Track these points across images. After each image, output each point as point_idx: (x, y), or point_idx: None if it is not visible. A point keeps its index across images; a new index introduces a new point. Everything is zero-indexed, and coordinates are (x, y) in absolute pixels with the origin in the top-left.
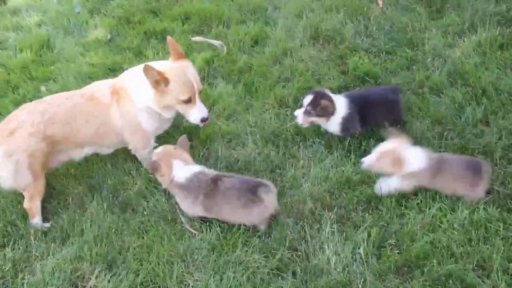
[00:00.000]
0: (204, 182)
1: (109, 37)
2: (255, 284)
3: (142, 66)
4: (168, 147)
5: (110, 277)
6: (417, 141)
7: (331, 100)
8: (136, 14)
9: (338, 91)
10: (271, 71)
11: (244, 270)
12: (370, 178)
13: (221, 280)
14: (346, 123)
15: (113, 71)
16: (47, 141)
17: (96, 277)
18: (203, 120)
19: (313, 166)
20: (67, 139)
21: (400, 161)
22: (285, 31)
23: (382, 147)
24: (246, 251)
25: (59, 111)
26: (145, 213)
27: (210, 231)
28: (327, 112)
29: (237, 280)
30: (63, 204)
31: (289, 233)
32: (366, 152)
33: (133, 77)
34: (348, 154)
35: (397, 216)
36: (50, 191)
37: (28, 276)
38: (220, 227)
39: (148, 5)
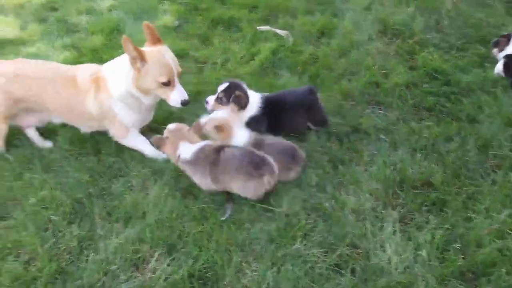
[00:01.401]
0: (208, 151)
1: (177, 23)
2: (313, 278)
3: (122, 56)
4: (181, 126)
5: (170, 261)
6: (487, 143)
7: (245, 94)
8: (204, 1)
9: (406, 87)
10: (337, 64)
11: (302, 264)
12: (433, 178)
13: (278, 272)
14: (251, 123)
15: (180, 57)
16: (12, 99)
17: (156, 260)
18: (184, 103)
19: (376, 163)
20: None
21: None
22: (352, 24)
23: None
24: (305, 244)
25: (33, 78)
26: (205, 199)
27: (269, 222)
28: (240, 102)
29: (295, 273)
30: (127, 186)
31: (349, 229)
32: (434, 151)
33: (112, 67)
34: (414, 153)
35: (463, 220)
36: (116, 172)
37: (92, 253)
38: (279, 220)
39: None
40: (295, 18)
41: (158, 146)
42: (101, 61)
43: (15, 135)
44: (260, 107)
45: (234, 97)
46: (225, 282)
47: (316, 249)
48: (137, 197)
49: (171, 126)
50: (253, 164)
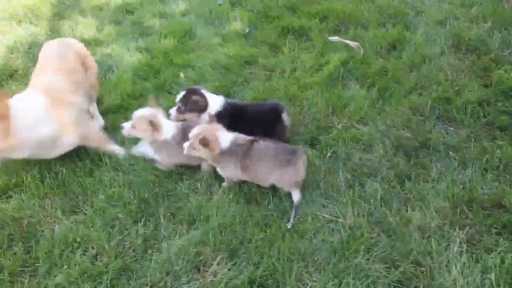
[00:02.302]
0: (243, 141)
1: (247, 30)
2: None
3: None
4: (206, 125)
5: (231, 266)
6: None
7: (203, 97)
8: (275, 9)
9: (478, 104)
10: (407, 77)
11: (364, 278)
12: (505, 199)
13: (339, 284)
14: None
15: (249, 63)
16: None
17: (218, 264)
18: None
19: (444, 180)
20: None
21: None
22: (425, 37)
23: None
24: (368, 259)
25: None
26: (269, 207)
27: (332, 234)
28: (198, 106)
29: (356, 287)
30: (192, 189)
31: (414, 246)
32: (507, 172)
33: None
34: (484, 172)
35: None
36: (181, 175)
37: (156, 253)
38: (343, 231)
39: (287, 1)
40: (366, 30)
41: (206, 144)
42: (171, 64)
43: None
44: (221, 110)
45: (192, 102)
46: None
47: (379, 264)
48: (201, 200)
49: (196, 131)
50: (289, 152)
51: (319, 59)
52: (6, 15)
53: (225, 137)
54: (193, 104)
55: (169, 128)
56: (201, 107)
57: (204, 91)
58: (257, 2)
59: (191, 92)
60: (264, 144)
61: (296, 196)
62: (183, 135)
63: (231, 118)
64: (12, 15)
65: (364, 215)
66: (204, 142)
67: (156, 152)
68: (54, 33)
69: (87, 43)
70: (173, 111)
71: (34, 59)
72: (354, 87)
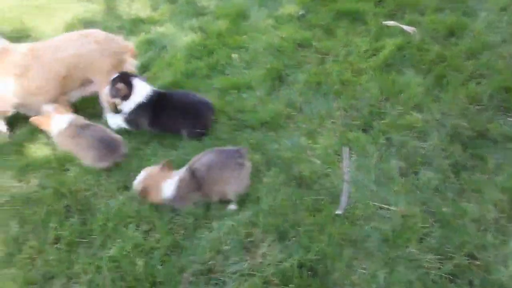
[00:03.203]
0: (187, 180)
1: (301, 12)
2: (426, 285)
3: None
4: (150, 170)
5: (281, 249)
6: None
7: (128, 85)
8: None
9: None
10: (465, 65)
11: (415, 268)
12: None
13: (390, 273)
14: (131, 116)
15: (302, 46)
16: None
17: (267, 246)
18: None
19: (502, 172)
20: None
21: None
22: (485, 24)
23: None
24: (420, 249)
25: None
26: (319, 192)
27: (384, 221)
28: (119, 94)
29: (407, 277)
30: None
31: (469, 238)
32: None
33: None
34: None
35: None
36: None
37: (206, 232)
38: (395, 219)
39: None
40: (423, 15)
41: (144, 197)
42: (224, 45)
43: None
44: (149, 96)
45: (115, 89)
46: (334, 277)
47: (431, 255)
48: (252, 181)
49: (141, 175)
50: (234, 155)
51: (373, 43)
52: None
53: (169, 186)
54: (116, 91)
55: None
56: (121, 96)
57: (134, 78)
58: None
59: (119, 78)
60: (205, 168)
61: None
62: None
63: (156, 108)
64: None
65: (417, 204)
66: (143, 193)
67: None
68: (110, 10)
69: (142, 21)
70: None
71: None
72: (409, 74)
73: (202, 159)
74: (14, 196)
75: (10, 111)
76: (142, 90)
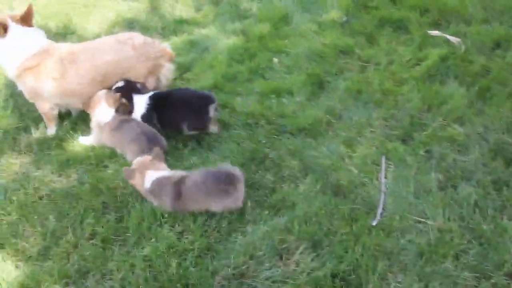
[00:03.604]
0: (166, 184)
1: (344, 19)
2: None
3: None
4: (146, 157)
5: (314, 257)
6: None
7: (130, 99)
8: None
9: None
10: (511, 79)
11: (451, 285)
12: None
13: None
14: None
15: (344, 53)
16: None
17: (301, 253)
18: None
19: None
20: None
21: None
22: None
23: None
24: (456, 265)
25: None
26: (356, 201)
27: (420, 235)
28: (124, 110)
29: None
30: (278, 176)
31: (509, 258)
32: None
33: None
34: None
35: None
36: (269, 164)
37: (240, 236)
38: (432, 234)
39: None
40: (469, 26)
41: (129, 178)
42: (265, 48)
43: None
44: (148, 105)
45: (120, 106)
46: None
47: (468, 272)
48: (288, 188)
49: (138, 158)
50: (223, 181)
51: (417, 53)
52: None
53: (150, 177)
54: (119, 108)
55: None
56: (126, 112)
57: (136, 95)
58: None
59: (122, 89)
60: (193, 183)
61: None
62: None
63: (158, 111)
64: None
65: (455, 219)
66: (128, 175)
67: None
68: (154, 10)
69: (185, 22)
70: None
71: None
72: (453, 85)
73: (192, 176)
74: (53, 190)
75: (54, 111)
76: (141, 103)
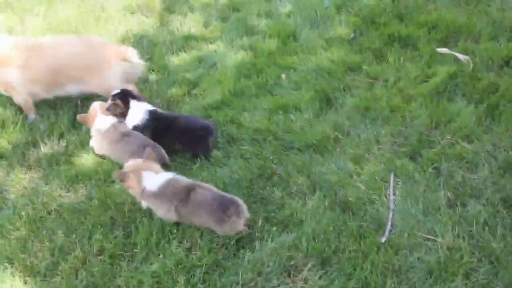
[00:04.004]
0: (178, 189)
1: (352, 35)
2: None
3: None
4: (137, 160)
5: (322, 274)
6: None
7: (126, 103)
8: (382, 16)
9: None
10: None
11: None
12: None
13: None
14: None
15: (352, 70)
16: None
17: (309, 270)
18: None
19: None
20: None
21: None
22: None
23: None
24: (466, 284)
25: None
26: (364, 218)
27: (429, 253)
28: (115, 110)
29: None
30: (286, 192)
31: None
32: None
33: None
34: None
35: None
36: (277, 180)
37: (248, 252)
38: (441, 251)
39: (395, 8)
40: (477, 43)
41: (121, 180)
42: (273, 64)
43: None
44: (145, 119)
45: (111, 104)
46: None
47: None
48: (296, 205)
49: (129, 161)
50: (222, 208)
51: (425, 70)
52: (121, 5)
53: (153, 180)
54: (111, 107)
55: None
56: (117, 113)
57: (133, 100)
58: (363, 8)
59: (119, 94)
60: (200, 196)
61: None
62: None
63: (154, 131)
64: (127, 6)
65: (464, 237)
66: (121, 178)
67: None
68: (163, 25)
69: (193, 38)
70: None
71: (143, 50)
72: (461, 102)
73: (203, 190)
74: (62, 205)
75: (29, 101)
76: (136, 114)
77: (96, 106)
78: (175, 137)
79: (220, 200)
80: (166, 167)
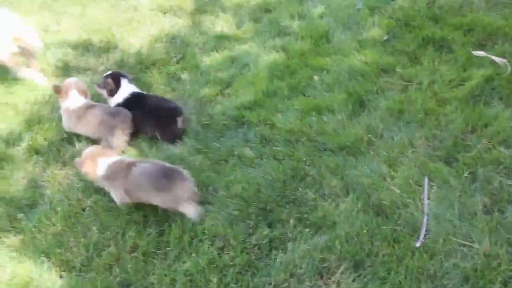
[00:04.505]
0: (121, 167)
1: (385, 37)
2: None
3: None
4: (95, 147)
5: (355, 277)
6: None
7: (117, 83)
8: (416, 18)
9: None
10: None
11: None
12: None
13: None
14: None
15: (386, 72)
16: None
17: (342, 273)
18: None
19: None
20: None
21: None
22: None
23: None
24: None
25: None
26: (398, 222)
27: (465, 259)
28: (106, 87)
29: None
30: (319, 194)
31: None
32: None
33: None
34: None
35: None
36: (310, 181)
37: (281, 253)
38: (477, 258)
39: (430, 10)
40: None
41: (80, 167)
42: (306, 66)
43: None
44: (126, 98)
45: (104, 81)
46: None
47: None
48: (329, 207)
49: (87, 149)
50: (164, 175)
51: (460, 73)
52: (154, 5)
53: (104, 163)
54: (105, 84)
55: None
56: (108, 90)
57: (124, 80)
58: (397, 10)
59: (111, 75)
60: (140, 168)
61: (190, 213)
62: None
63: (131, 108)
64: (159, 6)
65: (502, 244)
66: (79, 164)
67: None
68: (195, 25)
69: (226, 38)
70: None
71: (176, 50)
72: (498, 106)
73: (144, 163)
74: (96, 202)
75: None
76: (123, 92)
77: (71, 82)
78: (146, 118)
79: (161, 169)
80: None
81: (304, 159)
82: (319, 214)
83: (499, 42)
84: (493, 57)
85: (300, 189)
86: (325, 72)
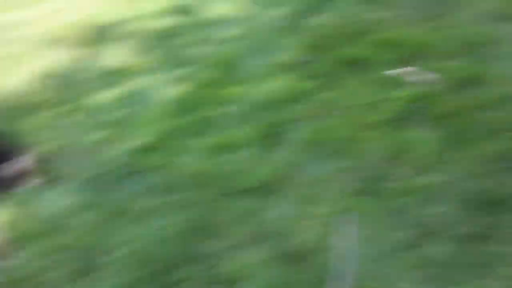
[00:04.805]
0: None
1: (299, 60)
2: None
3: None
4: None
5: None
6: None
7: None
8: (335, 36)
9: None
10: (486, 118)
11: None
12: None
13: None
14: None
15: (303, 98)
16: None
17: None
18: None
19: None
20: None
21: None
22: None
23: None
24: None
25: None
26: (318, 268)
27: None
28: None
29: None
30: (227, 245)
31: None
32: None
33: None
34: None
35: None
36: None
37: None
38: None
39: (345, 28)
40: (438, 63)
41: None
42: (214, 97)
43: None
44: None
45: None
46: None
47: None
48: (239, 259)
49: None
50: None
51: (383, 94)
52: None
53: None
54: None
55: None
56: None
57: None
58: (316, 28)
59: None
60: None
61: None
62: None
63: None
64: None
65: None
66: None
67: None
68: (82, 60)
69: (120, 72)
70: None
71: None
72: (421, 129)
73: None
74: None
75: None
76: None
77: None
78: None
79: None
80: None
81: (208, 205)
82: (227, 269)
83: (423, 59)
84: (416, 76)
85: (205, 241)
86: (235, 103)
